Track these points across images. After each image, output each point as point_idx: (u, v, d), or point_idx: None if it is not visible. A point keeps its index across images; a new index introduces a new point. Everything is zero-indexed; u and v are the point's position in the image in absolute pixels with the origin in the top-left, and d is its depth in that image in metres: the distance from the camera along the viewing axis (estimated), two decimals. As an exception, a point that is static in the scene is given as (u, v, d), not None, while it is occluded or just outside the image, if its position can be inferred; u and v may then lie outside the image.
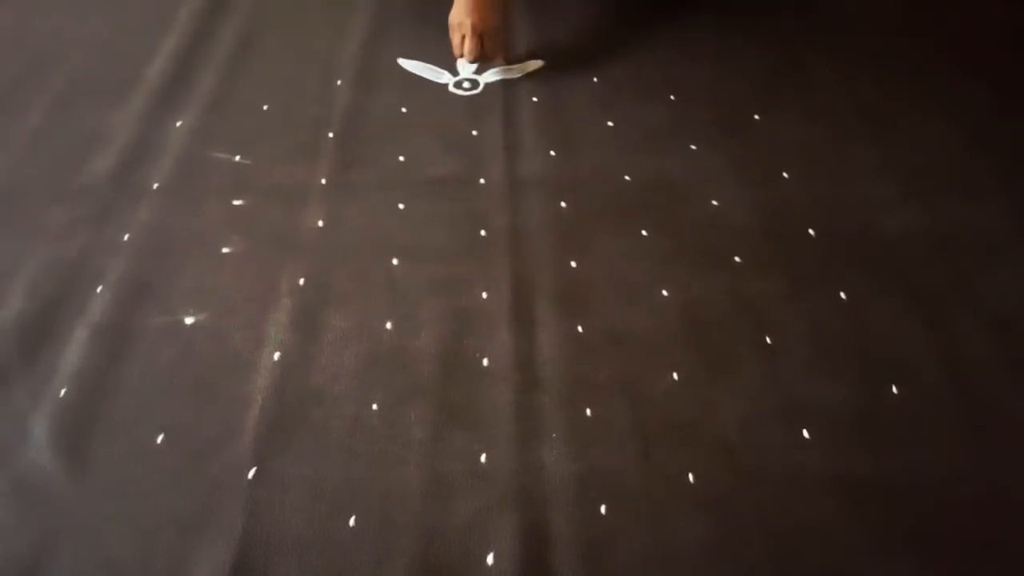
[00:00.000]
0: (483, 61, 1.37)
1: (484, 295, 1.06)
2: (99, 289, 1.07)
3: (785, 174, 1.22)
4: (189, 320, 1.03)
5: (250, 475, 0.88)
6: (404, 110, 1.34)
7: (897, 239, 1.12)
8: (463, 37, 1.35)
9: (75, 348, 1.00)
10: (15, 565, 0.81)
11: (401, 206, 1.18)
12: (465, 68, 1.41)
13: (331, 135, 1.29)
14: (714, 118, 1.32)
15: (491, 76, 1.40)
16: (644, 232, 1.14)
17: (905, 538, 0.83)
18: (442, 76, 1.40)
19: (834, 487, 0.87)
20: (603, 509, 0.85)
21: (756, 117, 1.32)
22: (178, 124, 1.31)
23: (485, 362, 0.98)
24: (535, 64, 1.42)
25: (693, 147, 1.27)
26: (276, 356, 0.99)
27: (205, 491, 0.87)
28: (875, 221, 1.14)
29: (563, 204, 1.18)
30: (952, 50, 1.45)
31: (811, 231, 1.13)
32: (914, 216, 1.15)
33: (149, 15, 1.55)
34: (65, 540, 0.83)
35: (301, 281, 1.07)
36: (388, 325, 1.03)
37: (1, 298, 1.05)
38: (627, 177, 1.22)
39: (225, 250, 1.12)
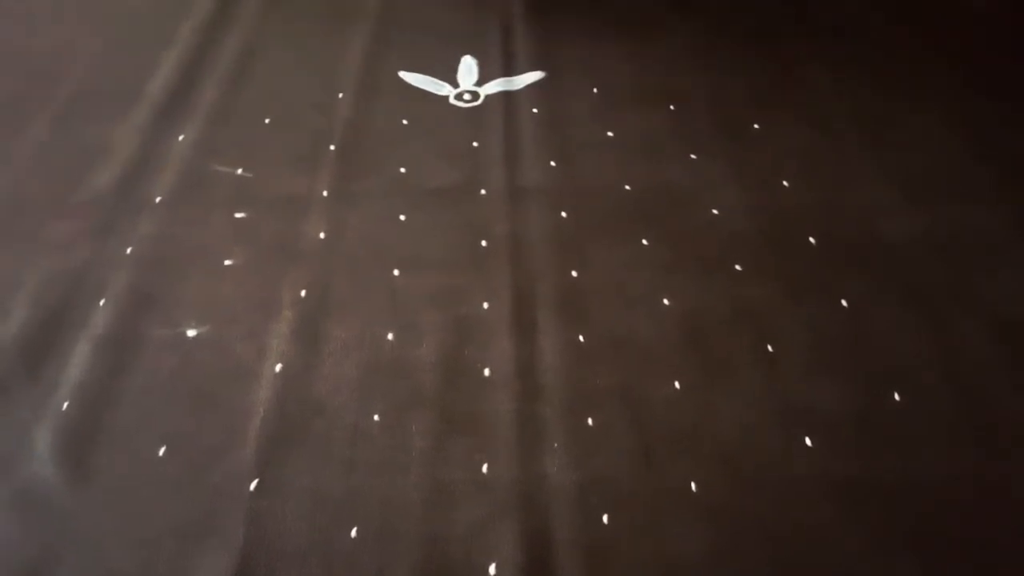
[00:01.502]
0: None
1: (485, 305, 1.06)
2: (102, 302, 1.07)
3: (785, 181, 1.22)
4: (191, 332, 1.03)
5: (252, 485, 0.88)
6: (405, 121, 1.35)
7: (897, 244, 1.12)
8: None
9: (78, 360, 1.00)
10: (17, 576, 0.82)
11: (402, 217, 1.18)
12: (466, 80, 1.41)
13: (333, 147, 1.30)
14: (714, 126, 1.32)
15: (492, 88, 1.41)
16: (644, 241, 1.14)
17: (905, 538, 0.83)
18: (443, 88, 1.41)
19: (835, 492, 0.86)
20: (605, 518, 0.85)
21: (755, 125, 1.32)
22: (180, 137, 1.32)
23: (486, 371, 0.99)
24: (535, 75, 1.43)
25: (693, 156, 1.27)
26: (278, 367, 0.99)
27: (207, 501, 0.87)
28: (875, 226, 1.14)
29: (563, 214, 1.18)
30: (951, 55, 1.45)
31: (811, 237, 1.13)
32: (913, 221, 1.15)
33: (151, 29, 1.56)
34: (67, 551, 0.83)
35: (303, 292, 1.08)
36: (389, 335, 1.03)
37: (4, 310, 1.06)
38: (627, 186, 1.22)
39: (227, 262, 1.12)
